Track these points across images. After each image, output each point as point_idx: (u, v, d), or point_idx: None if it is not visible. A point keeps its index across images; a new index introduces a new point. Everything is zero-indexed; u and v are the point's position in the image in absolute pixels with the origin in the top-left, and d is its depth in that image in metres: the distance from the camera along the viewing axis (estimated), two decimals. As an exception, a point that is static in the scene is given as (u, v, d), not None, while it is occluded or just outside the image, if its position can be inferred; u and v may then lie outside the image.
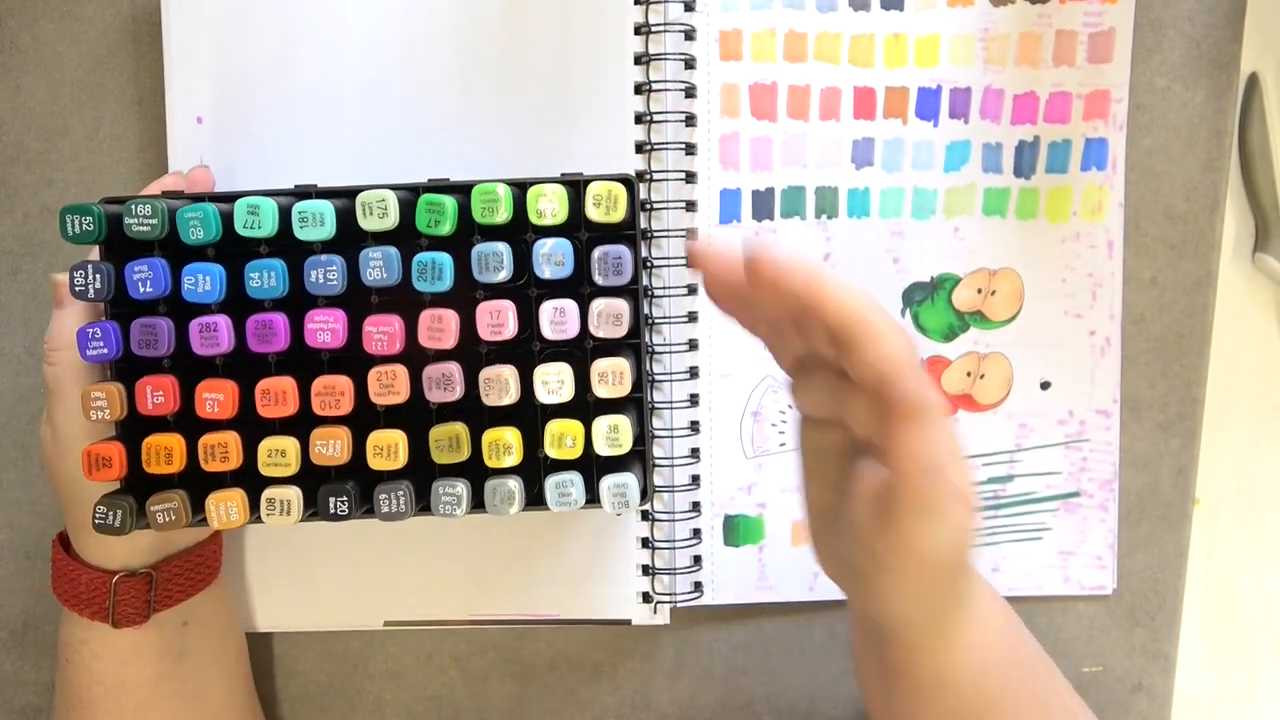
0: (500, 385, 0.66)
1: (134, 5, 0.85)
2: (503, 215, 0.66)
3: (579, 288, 0.69)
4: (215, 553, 0.81)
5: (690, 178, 0.83)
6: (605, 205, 0.67)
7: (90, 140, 0.86)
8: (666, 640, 0.88)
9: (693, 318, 0.83)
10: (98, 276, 0.66)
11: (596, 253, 0.67)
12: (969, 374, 0.85)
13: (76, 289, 0.66)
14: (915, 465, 0.52)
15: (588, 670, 0.88)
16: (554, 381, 0.67)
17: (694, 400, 0.84)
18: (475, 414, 0.69)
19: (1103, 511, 0.85)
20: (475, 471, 0.69)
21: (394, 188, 0.67)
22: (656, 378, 0.82)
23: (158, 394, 0.66)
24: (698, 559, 0.85)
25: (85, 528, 0.74)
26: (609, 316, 0.67)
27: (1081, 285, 0.84)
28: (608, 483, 0.68)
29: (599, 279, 0.67)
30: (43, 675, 0.90)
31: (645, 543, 0.85)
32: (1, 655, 0.90)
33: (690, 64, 0.82)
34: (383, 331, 0.66)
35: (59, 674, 0.79)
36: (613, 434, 0.68)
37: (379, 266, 0.65)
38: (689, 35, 0.82)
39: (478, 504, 0.68)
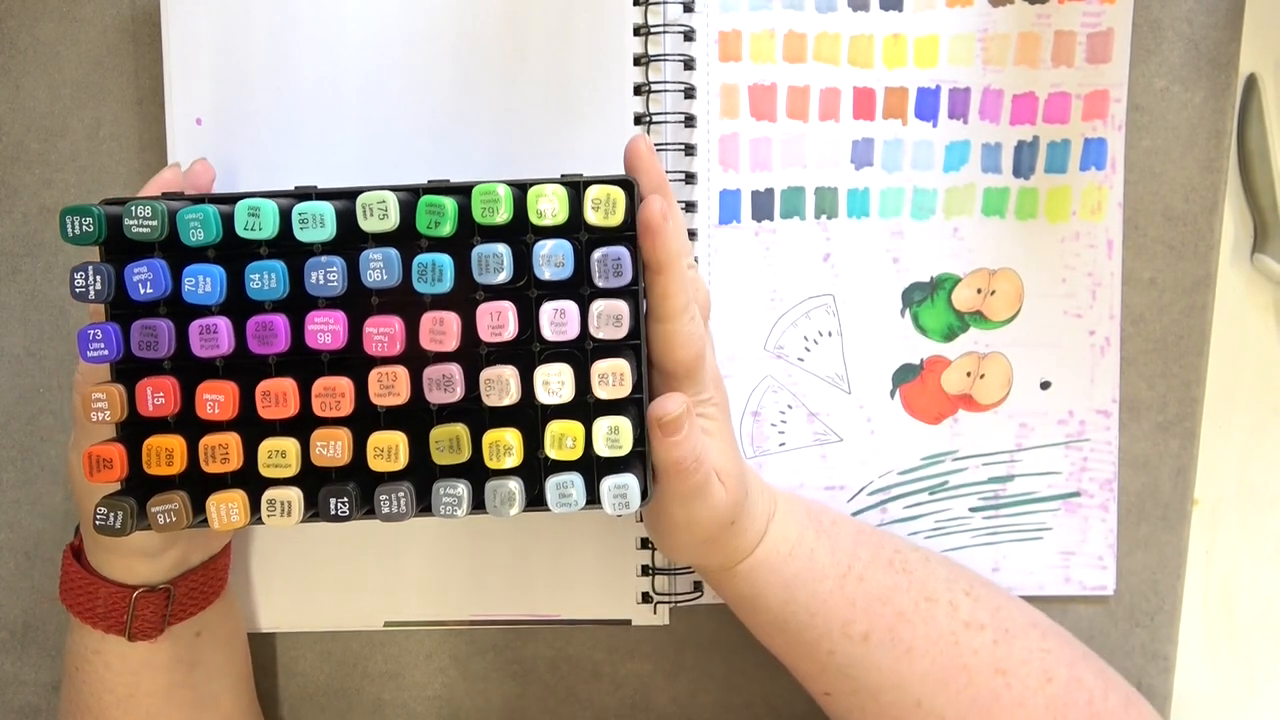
0: (501, 386, 0.66)
1: (134, 5, 0.85)
2: (503, 216, 0.66)
3: (579, 289, 0.69)
4: (225, 564, 0.81)
5: (690, 178, 0.83)
6: (604, 209, 0.67)
7: (90, 140, 0.86)
8: (666, 640, 0.88)
9: (693, 318, 0.83)
10: (98, 278, 0.66)
11: (596, 254, 0.67)
12: (969, 374, 0.85)
13: (76, 290, 0.66)
14: (675, 467, 0.68)
15: (588, 670, 0.88)
16: (555, 382, 0.67)
17: (694, 400, 0.84)
18: (476, 415, 0.69)
19: (1103, 511, 0.85)
20: (476, 472, 0.68)
21: (394, 189, 0.66)
22: (657, 378, 0.82)
23: (158, 395, 0.66)
24: (697, 559, 0.85)
25: (111, 548, 0.74)
26: (609, 318, 0.66)
27: (1081, 285, 0.85)
28: (608, 483, 0.68)
29: (599, 281, 0.67)
30: (42, 675, 0.90)
31: (645, 543, 0.85)
32: (1, 655, 0.90)
33: (689, 65, 0.82)
34: (383, 333, 0.66)
35: (66, 682, 0.79)
36: (613, 435, 0.67)
37: (379, 268, 0.65)
38: (688, 36, 0.82)
39: (478, 505, 0.68)
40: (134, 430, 0.68)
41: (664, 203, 0.66)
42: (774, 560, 0.75)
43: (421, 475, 0.69)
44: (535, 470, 0.70)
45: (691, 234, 0.83)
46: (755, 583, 0.76)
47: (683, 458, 0.68)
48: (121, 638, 0.75)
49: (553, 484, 0.68)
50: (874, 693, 0.75)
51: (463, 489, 0.67)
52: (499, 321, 0.66)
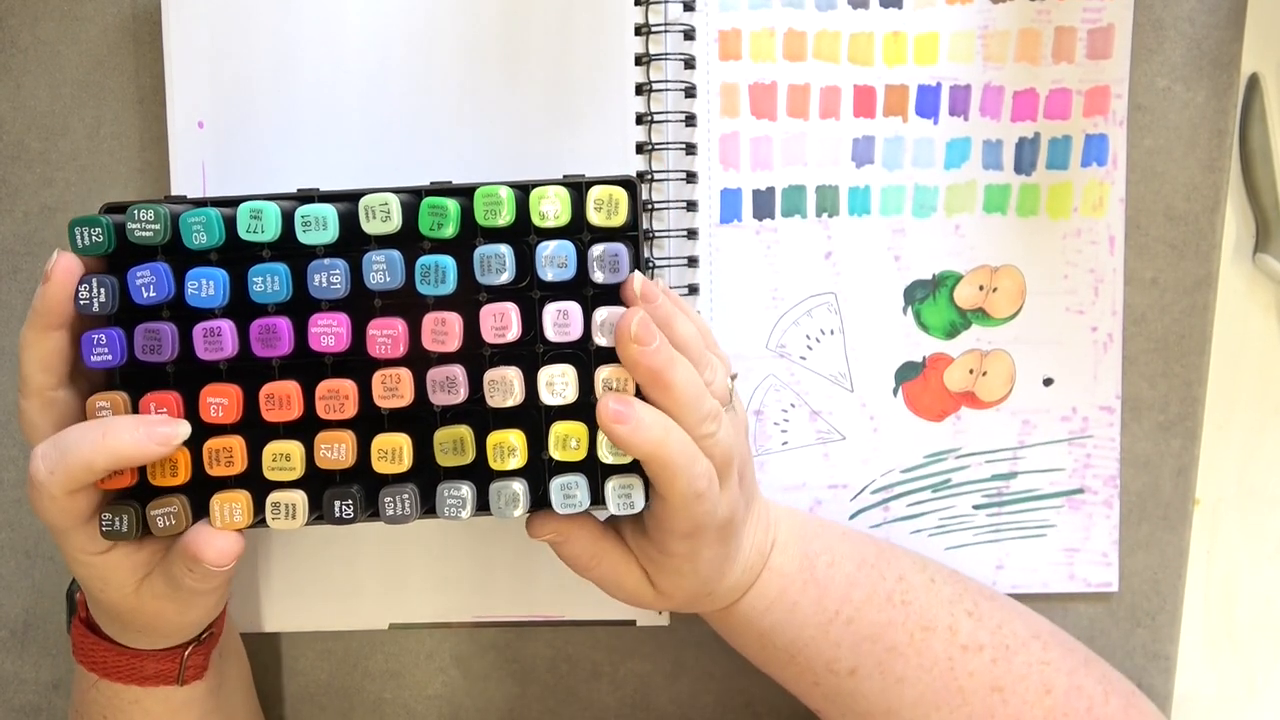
0: (504, 387, 0.66)
1: (134, 5, 0.85)
2: (505, 218, 0.66)
3: (582, 289, 0.69)
4: None
5: (691, 178, 0.83)
6: (606, 209, 0.67)
7: (90, 140, 0.86)
8: (666, 640, 0.88)
9: (695, 318, 0.83)
10: (102, 290, 0.65)
11: (594, 251, 0.67)
12: (971, 371, 0.85)
13: (80, 303, 0.66)
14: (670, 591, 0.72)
15: (588, 670, 0.88)
16: (558, 383, 0.67)
17: (695, 400, 0.83)
18: (479, 416, 0.69)
19: (1107, 508, 0.86)
20: (480, 474, 0.68)
21: (397, 191, 0.66)
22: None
23: (161, 411, 0.66)
24: (699, 557, 0.85)
25: (160, 627, 0.72)
26: (612, 326, 0.66)
27: (1083, 281, 0.85)
28: (613, 484, 0.68)
29: (597, 277, 0.67)
30: (43, 675, 0.90)
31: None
32: (1, 655, 0.90)
33: (690, 64, 0.82)
34: (386, 335, 0.66)
35: None
36: None
37: (382, 270, 0.65)
38: (688, 35, 0.82)
39: (483, 506, 0.68)
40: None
41: (623, 413, 0.64)
42: (749, 614, 0.75)
43: (425, 477, 0.69)
44: (539, 471, 0.70)
45: (693, 233, 0.83)
46: (730, 627, 0.77)
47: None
48: (172, 686, 0.74)
49: (557, 485, 0.68)
50: (862, 715, 0.76)
51: (467, 491, 0.67)
52: (502, 323, 0.66)
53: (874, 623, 0.74)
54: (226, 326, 0.66)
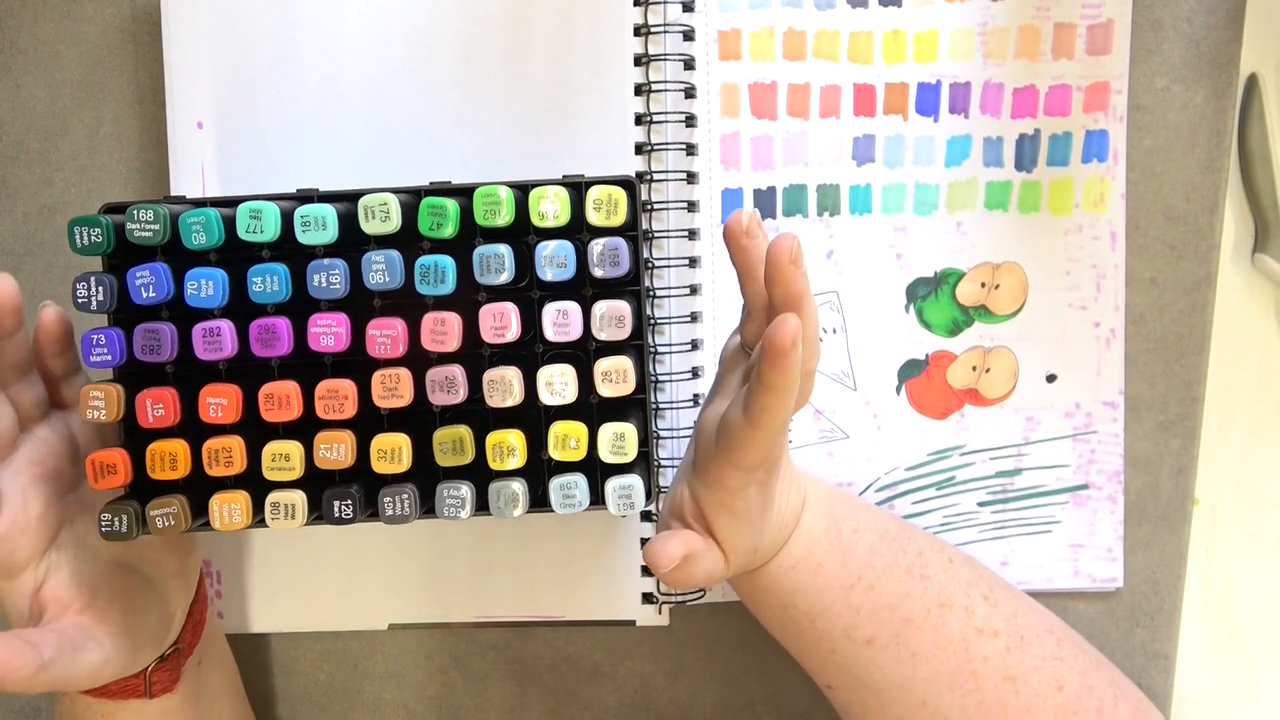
0: (504, 387, 0.66)
1: (134, 5, 0.85)
2: (505, 217, 0.66)
3: (581, 289, 0.69)
4: (204, 583, 0.80)
5: (691, 178, 0.83)
6: (606, 209, 0.67)
7: (90, 140, 0.86)
8: (666, 640, 0.88)
9: (695, 318, 0.83)
10: (100, 289, 0.66)
11: (595, 245, 0.67)
12: (974, 368, 0.85)
13: (79, 300, 0.66)
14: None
15: (588, 670, 0.88)
16: (558, 383, 0.67)
17: (696, 400, 0.83)
18: (479, 416, 0.69)
19: (1112, 504, 0.85)
20: (479, 474, 0.69)
21: (396, 191, 0.66)
22: (659, 378, 0.82)
23: (158, 407, 0.66)
24: (700, 557, 0.85)
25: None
26: (612, 319, 0.67)
27: (1085, 277, 0.84)
28: (613, 484, 0.68)
29: (597, 271, 0.67)
30: (45, 673, 0.90)
31: (646, 543, 0.85)
32: (4, 654, 0.90)
33: (690, 64, 0.82)
34: (386, 335, 0.66)
35: None
36: (618, 442, 0.67)
37: (381, 270, 0.65)
38: (688, 36, 0.82)
39: (482, 506, 0.68)
40: (137, 435, 0.68)
41: (799, 324, 0.60)
42: (775, 573, 0.74)
43: (425, 477, 0.69)
44: (539, 471, 0.70)
45: (693, 234, 0.83)
46: (756, 589, 0.76)
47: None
48: (141, 699, 0.74)
49: (556, 485, 0.68)
50: (875, 690, 0.75)
51: (466, 490, 0.68)
52: (502, 323, 0.66)
53: (893, 592, 0.74)
54: (226, 326, 0.66)
